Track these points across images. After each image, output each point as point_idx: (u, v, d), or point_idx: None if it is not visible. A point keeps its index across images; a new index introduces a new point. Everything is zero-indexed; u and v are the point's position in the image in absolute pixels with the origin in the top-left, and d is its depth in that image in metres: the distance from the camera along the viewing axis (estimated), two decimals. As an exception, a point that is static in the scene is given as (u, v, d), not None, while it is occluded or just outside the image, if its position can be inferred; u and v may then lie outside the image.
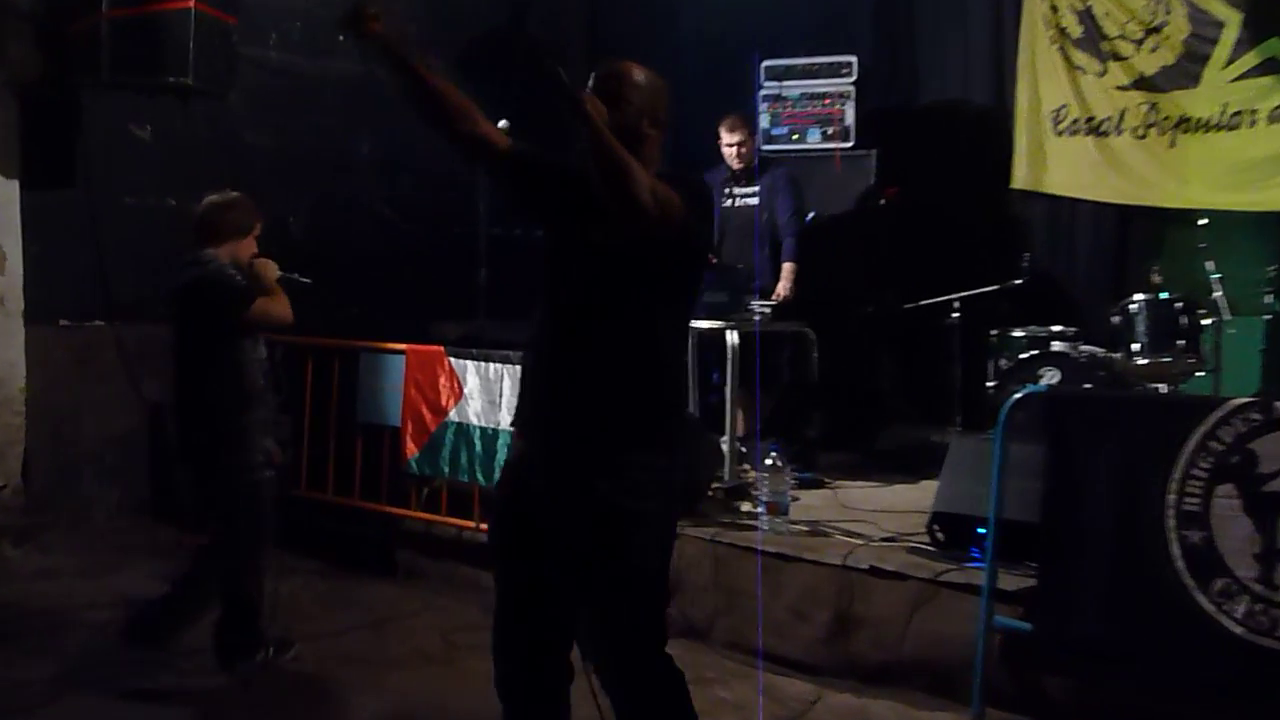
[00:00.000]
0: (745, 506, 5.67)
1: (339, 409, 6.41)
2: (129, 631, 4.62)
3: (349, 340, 6.44)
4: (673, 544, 3.16)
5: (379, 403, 6.24)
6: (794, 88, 7.58)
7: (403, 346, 6.16)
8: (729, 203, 6.87)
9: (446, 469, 5.90)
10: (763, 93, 7.63)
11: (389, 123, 7.75)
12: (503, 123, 6.03)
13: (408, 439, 6.04)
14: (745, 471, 6.29)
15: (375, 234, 7.75)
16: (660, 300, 2.97)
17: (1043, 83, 7.27)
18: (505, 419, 5.64)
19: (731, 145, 6.76)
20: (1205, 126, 6.68)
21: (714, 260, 6.63)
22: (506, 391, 5.66)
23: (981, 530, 4.45)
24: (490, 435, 5.70)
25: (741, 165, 6.78)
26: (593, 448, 2.96)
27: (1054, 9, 7.20)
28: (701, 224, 3.02)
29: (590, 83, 3.01)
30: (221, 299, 4.38)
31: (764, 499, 5.26)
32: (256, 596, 4.53)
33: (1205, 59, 6.65)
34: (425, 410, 5.97)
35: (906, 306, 7.02)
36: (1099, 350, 6.21)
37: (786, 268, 6.60)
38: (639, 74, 3.06)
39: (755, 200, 6.79)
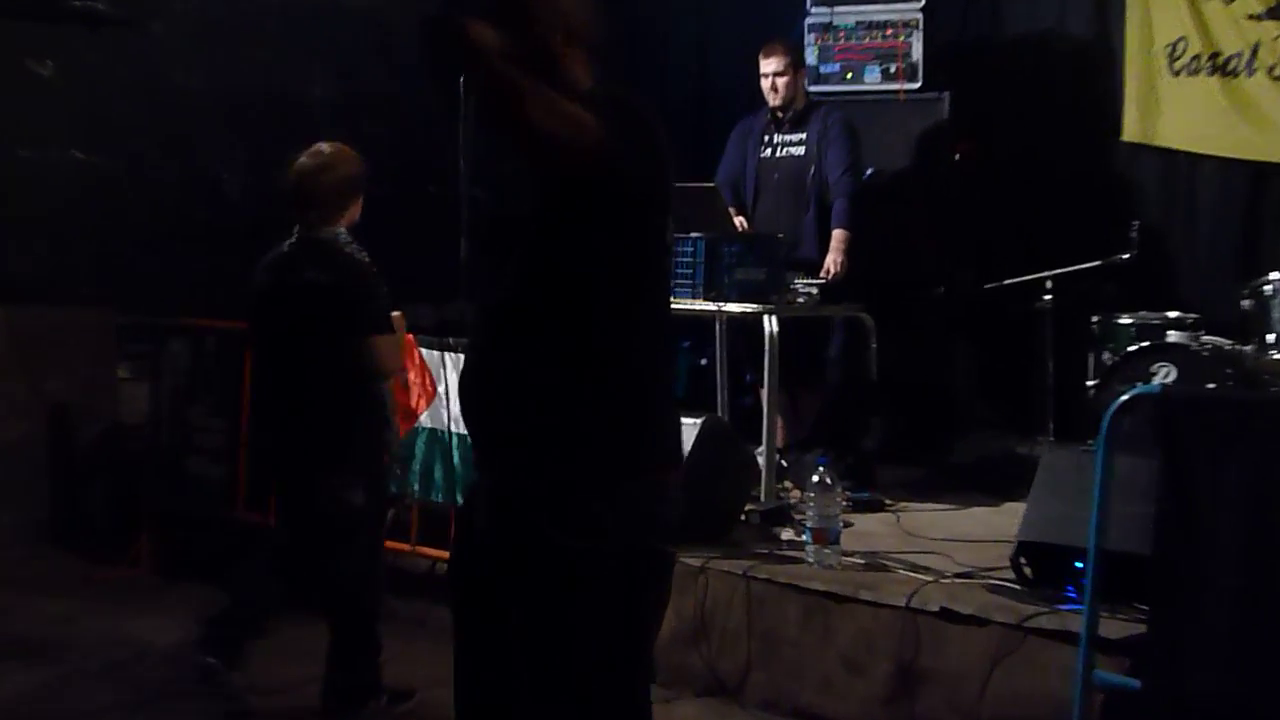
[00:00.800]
0: (787, 534, 5.67)
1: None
2: (197, 648, 4.78)
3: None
4: (658, 597, 2.94)
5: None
6: (848, 14, 7.57)
7: (364, 335, 6.15)
8: (768, 152, 6.87)
9: (417, 486, 5.91)
10: (810, 20, 7.63)
11: (348, 58, 7.76)
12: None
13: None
14: (787, 491, 6.29)
15: (330, 195, 7.76)
16: (601, 274, 2.82)
17: (1155, 10, 7.26)
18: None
19: (768, 75, 6.75)
20: (1361, 64, 6.69)
21: (745, 225, 6.65)
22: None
23: (1079, 564, 4.44)
24: (471, 445, 5.70)
25: (782, 103, 6.77)
26: (530, 474, 2.84)
27: (1169, -81, 7.18)
28: (633, 152, 2.78)
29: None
30: (362, 306, 4.56)
31: (810, 525, 5.25)
32: (376, 631, 4.74)
33: (1359, -21, 6.65)
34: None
35: (987, 287, 7.01)
36: (1225, 342, 6.19)
37: (837, 236, 6.58)
38: None
39: (802, 150, 6.78)
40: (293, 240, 4.70)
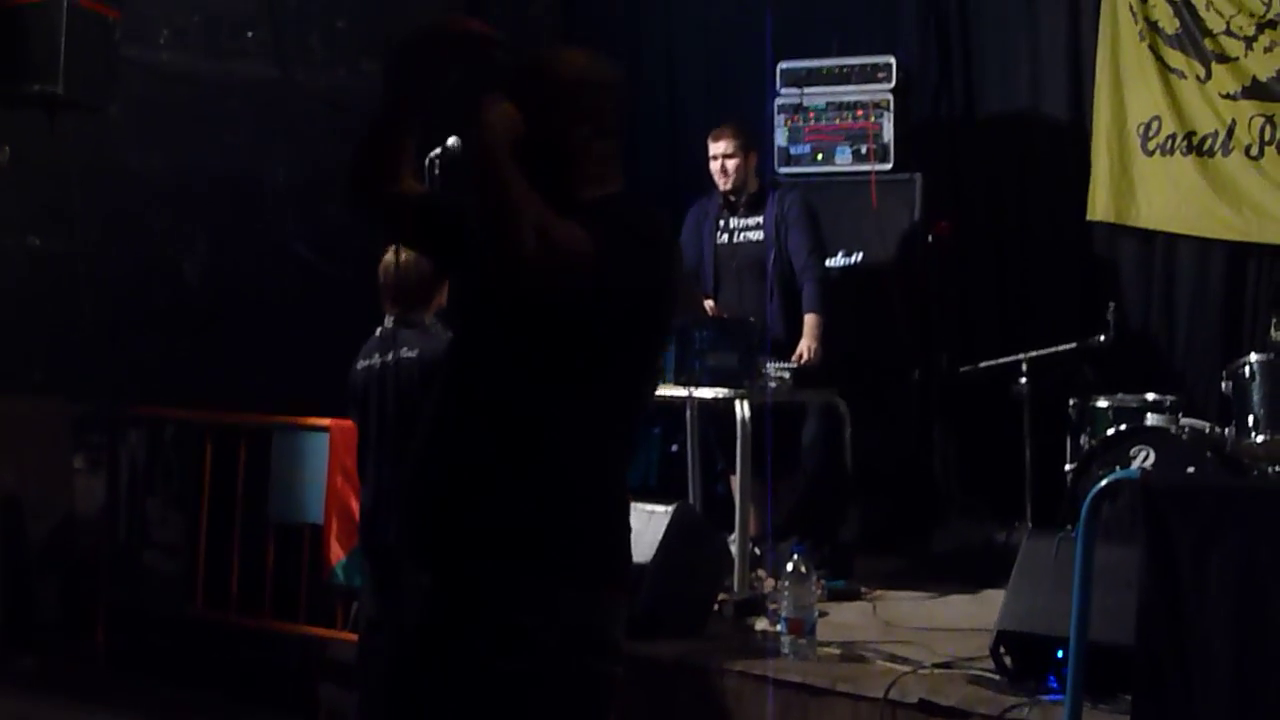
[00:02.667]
0: (761, 625, 5.63)
1: (245, 503, 6.38)
2: None
3: (258, 415, 6.42)
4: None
5: (296, 495, 6.23)
6: (818, 95, 7.62)
7: (326, 422, 6.15)
8: (725, 238, 6.87)
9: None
10: (779, 101, 7.68)
11: (310, 142, 7.77)
12: (452, 140, 6.09)
13: (332, 540, 6.02)
14: (761, 581, 6.26)
15: (292, 280, 7.76)
16: (567, 377, 2.72)
17: (1129, 90, 7.33)
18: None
19: (717, 157, 6.74)
20: (1336, 145, 6.76)
21: (716, 310, 6.65)
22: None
23: (1061, 654, 4.42)
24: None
25: (732, 186, 6.75)
26: (475, 576, 2.71)
27: (1143, -2, 7.28)
28: (626, 271, 2.69)
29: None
30: None
31: (785, 615, 5.22)
32: None
33: (1332, 60, 6.73)
34: (355, 503, 5.94)
35: (963, 370, 7.03)
36: (1205, 425, 6.21)
37: (810, 321, 6.58)
38: (571, 65, 2.87)
39: (759, 235, 6.79)
40: (385, 326, 4.97)
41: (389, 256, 4.93)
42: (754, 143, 6.97)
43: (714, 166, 6.76)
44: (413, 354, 4.83)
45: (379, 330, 4.99)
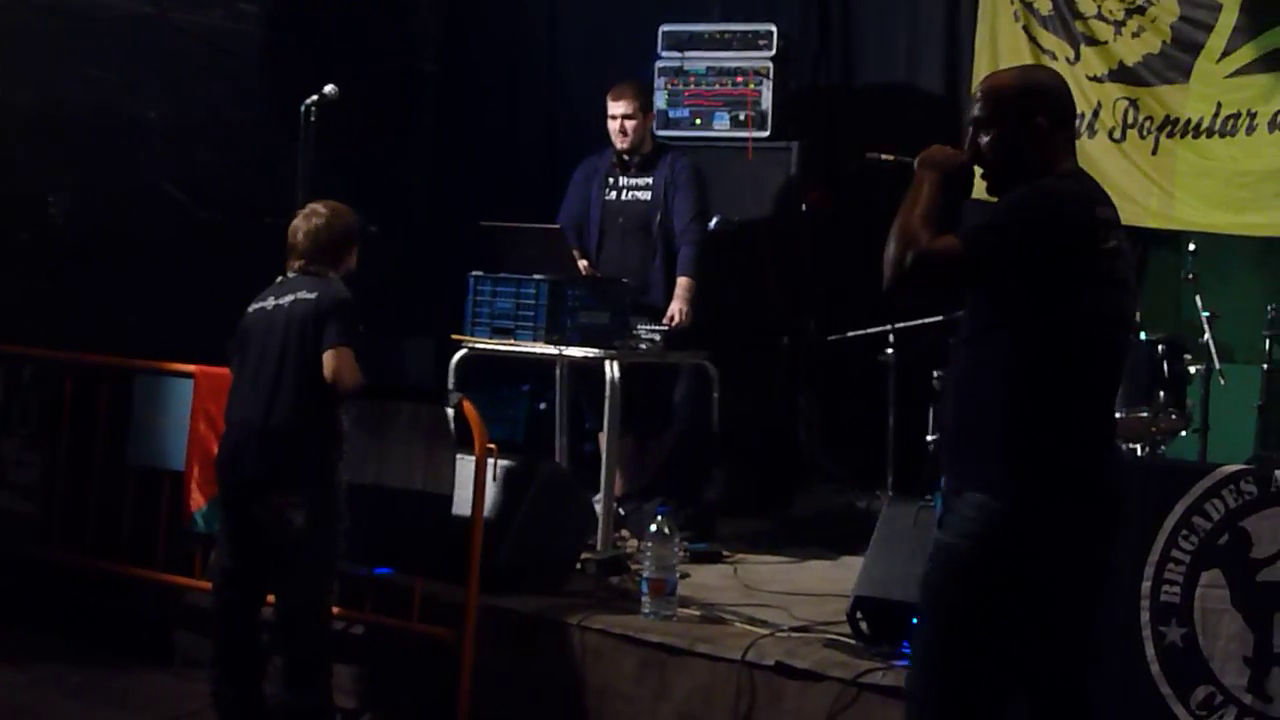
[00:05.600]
0: (622, 584, 5.66)
1: (105, 446, 6.26)
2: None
3: (120, 358, 6.30)
4: None
5: (157, 440, 6.12)
6: (698, 60, 7.63)
7: (191, 368, 6.05)
8: (613, 195, 6.88)
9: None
10: (660, 64, 7.67)
11: (184, 81, 7.63)
12: (329, 88, 6.01)
13: (193, 487, 5.93)
14: (624, 540, 6.28)
15: (161, 221, 7.62)
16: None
17: (1001, 67, 7.41)
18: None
19: (617, 117, 6.76)
20: (1195, 130, 6.87)
21: (590, 270, 6.65)
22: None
23: (916, 621, 4.49)
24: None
25: (630, 146, 6.78)
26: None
27: (1020, -21, 7.35)
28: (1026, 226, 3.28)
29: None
30: (329, 318, 4.78)
31: (647, 575, 5.25)
32: (327, 653, 4.88)
33: (1198, 48, 6.84)
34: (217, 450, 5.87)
35: (830, 339, 7.09)
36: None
37: (682, 283, 6.62)
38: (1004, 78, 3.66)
39: (649, 195, 6.81)
40: (287, 276, 4.94)
41: (299, 220, 4.94)
42: (650, 103, 7.04)
43: (613, 126, 6.75)
44: (308, 296, 4.80)
45: (279, 278, 4.97)
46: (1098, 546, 3.22)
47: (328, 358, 4.70)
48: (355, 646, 5.46)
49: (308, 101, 5.99)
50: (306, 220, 4.93)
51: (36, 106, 7.18)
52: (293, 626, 4.79)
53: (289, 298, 4.84)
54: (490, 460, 5.33)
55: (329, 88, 5.99)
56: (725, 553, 6.41)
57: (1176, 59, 6.90)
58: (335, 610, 5.11)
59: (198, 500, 5.92)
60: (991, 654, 3.18)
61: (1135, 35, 7.01)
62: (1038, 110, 3.44)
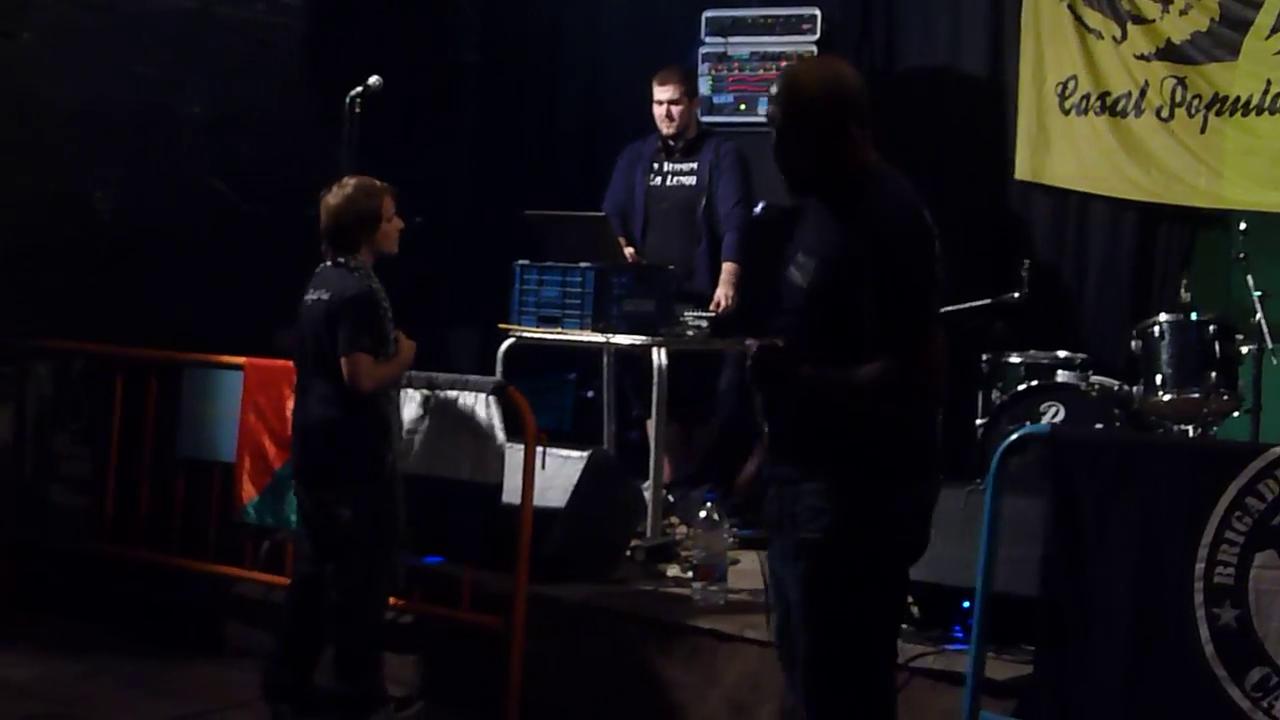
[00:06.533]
0: (671, 571, 5.67)
1: (155, 440, 6.32)
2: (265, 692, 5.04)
3: (170, 351, 6.35)
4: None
5: (207, 432, 6.17)
6: (742, 45, 7.62)
7: (240, 360, 6.09)
8: (658, 181, 6.88)
9: (293, 518, 5.82)
10: (704, 50, 7.66)
11: (228, 75, 7.66)
12: (373, 79, 6.04)
13: (244, 479, 5.97)
14: (673, 527, 6.29)
15: (206, 216, 7.65)
16: None
17: (1048, 48, 7.38)
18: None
19: (663, 103, 6.76)
20: (1244, 108, 6.83)
21: (635, 257, 6.65)
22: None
23: (966, 605, 4.48)
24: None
25: (675, 131, 6.78)
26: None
27: (1063, -44, 7.31)
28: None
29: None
30: (345, 323, 4.79)
31: (696, 562, 5.26)
32: (380, 642, 4.97)
33: (1246, 25, 6.79)
34: (268, 442, 5.91)
35: (877, 323, 7.06)
36: (1114, 382, 6.30)
37: (726, 269, 6.62)
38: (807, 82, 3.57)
39: (693, 180, 6.80)
40: (324, 264, 4.97)
41: (328, 194, 4.93)
42: (695, 89, 7.05)
43: (658, 111, 6.76)
44: (324, 296, 4.83)
45: (319, 267, 5.01)
46: None
47: (343, 364, 4.75)
48: (406, 635, 5.49)
49: (351, 94, 6.02)
50: (333, 195, 4.92)
51: (82, 103, 7.23)
52: (344, 618, 4.85)
53: (311, 296, 4.89)
54: (539, 449, 5.35)
55: (373, 79, 6.02)
56: (774, 539, 6.40)
57: (1225, 36, 6.86)
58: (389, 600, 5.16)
59: (249, 491, 5.96)
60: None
61: (1183, 13, 6.96)
62: (849, 118, 3.50)
